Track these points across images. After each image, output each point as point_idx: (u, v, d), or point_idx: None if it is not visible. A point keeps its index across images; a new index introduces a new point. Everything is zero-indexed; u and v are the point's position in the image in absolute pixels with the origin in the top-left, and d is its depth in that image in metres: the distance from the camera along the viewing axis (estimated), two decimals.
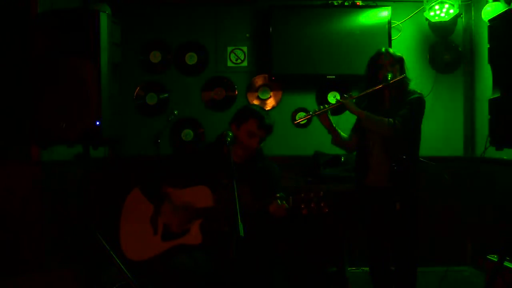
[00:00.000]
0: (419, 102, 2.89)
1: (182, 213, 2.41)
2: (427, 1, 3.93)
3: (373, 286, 3.09)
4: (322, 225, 3.93)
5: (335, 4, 4.10)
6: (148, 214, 2.53)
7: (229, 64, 4.21)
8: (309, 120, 4.19)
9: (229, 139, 2.34)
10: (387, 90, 2.83)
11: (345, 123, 3.22)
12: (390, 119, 2.73)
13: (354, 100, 2.94)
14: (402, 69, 2.92)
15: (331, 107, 2.93)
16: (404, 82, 2.91)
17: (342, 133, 3.03)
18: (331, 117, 2.96)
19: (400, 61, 2.92)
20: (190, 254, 2.31)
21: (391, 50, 2.96)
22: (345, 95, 2.95)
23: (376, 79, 2.90)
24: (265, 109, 2.61)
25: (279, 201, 2.25)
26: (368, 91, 2.91)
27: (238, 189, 2.07)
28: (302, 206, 2.23)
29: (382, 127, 2.81)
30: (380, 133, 2.87)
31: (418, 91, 2.96)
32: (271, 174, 2.58)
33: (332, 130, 2.99)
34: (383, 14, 4.04)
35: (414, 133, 2.91)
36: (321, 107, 2.93)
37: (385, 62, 2.90)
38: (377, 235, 3.00)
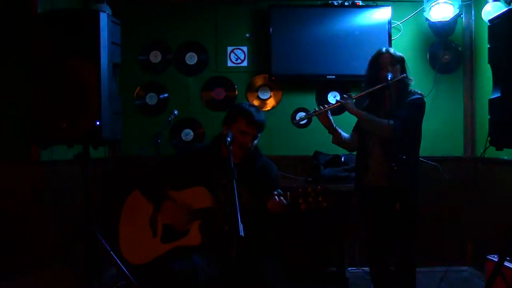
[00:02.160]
0: (419, 103, 2.88)
1: (181, 214, 2.41)
2: (427, 1, 3.93)
3: (373, 286, 3.09)
4: (322, 225, 3.93)
5: (335, 4, 4.10)
6: (147, 216, 2.53)
7: (229, 64, 4.21)
8: (309, 120, 4.19)
9: (229, 139, 2.34)
10: (388, 90, 2.82)
11: (345, 123, 3.22)
12: (390, 121, 2.73)
13: (354, 100, 2.93)
14: (403, 69, 2.91)
15: (330, 107, 2.92)
16: (405, 82, 2.90)
17: (342, 133, 3.03)
18: (331, 117, 2.96)
19: (400, 60, 2.92)
20: (189, 260, 2.29)
21: (391, 50, 2.96)
22: (345, 95, 2.95)
23: (376, 79, 2.90)
24: (254, 105, 2.59)
25: (276, 197, 2.25)
26: (368, 91, 2.91)
27: (237, 189, 2.06)
28: (300, 201, 2.22)
29: (381, 128, 2.81)
30: (378, 135, 2.87)
31: (419, 91, 2.95)
32: (270, 173, 2.57)
33: (332, 130, 2.98)
34: (383, 14, 4.04)
35: (414, 133, 2.91)
36: (321, 107, 2.93)
37: (385, 62, 2.89)
38: (377, 235, 3.00)
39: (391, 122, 2.73)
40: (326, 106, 2.93)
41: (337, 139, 3.03)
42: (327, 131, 3.01)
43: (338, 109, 3.07)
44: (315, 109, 2.96)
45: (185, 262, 2.27)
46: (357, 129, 3.06)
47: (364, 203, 3.05)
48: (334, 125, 2.97)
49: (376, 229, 3.00)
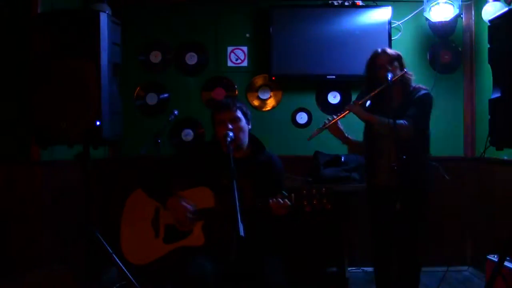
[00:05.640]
0: (426, 99, 2.84)
1: (186, 213, 2.41)
2: (427, 1, 3.93)
3: (375, 286, 3.08)
4: (322, 225, 3.93)
5: (335, 4, 4.10)
6: (149, 216, 2.52)
7: (229, 64, 4.21)
8: (309, 120, 4.20)
9: (229, 139, 2.34)
10: (392, 89, 2.82)
11: (347, 124, 3.19)
12: (400, 121, 2.72)
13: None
14: (401, 66, 2.90)
15: (339, 117, 2.86)
16: (406, 78, 2.89)
17: (355, 139, 3.01)
18: (341, 127, 2.92)
19: (398, 58, 2.90)
20: (199, 265, 2.28)
21: (387, 49, 2.95)
22: (353, 102, 2.93)
23: (376, 79, 2.88)
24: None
25: (280, 200, 2.25)
26: (372, 94, 2.85)
27: (240, 185, 2.06)
28: (305, 203, 2.22)
29: (399, 130, 2.77)
30: (395, 136, 2.82)
31: (423, 86, 2.92)
32: (274, 167, 2.55)
33: (345, 139, 2.96)
34: (383, 14, 4.04)
35: (423, 131, 2.87)
36: (329, 118, 2.88)
37: (383, 62, 2.88)
38: (382, 235, 2.99)
39: (402, 122, 2.72)
40: (335, 116, 2.87)
41: (353, 147, 3.01)
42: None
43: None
44: (325, 121, 2.90)
45: (196, 269, 2.25)
46: (365, 132, 3.04)
47: (373, 203, 3.04)
48: (346, 134, 2.95)
49: (382, 229, 2.99)
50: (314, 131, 2.90)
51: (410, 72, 2.90)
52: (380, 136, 2.91)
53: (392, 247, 2.97)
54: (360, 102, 2.88)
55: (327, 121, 2.88)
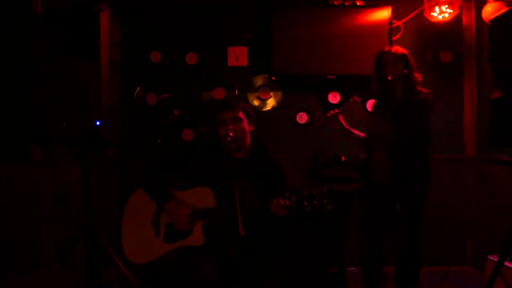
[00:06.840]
0: (421, 105, 2.85)
1: (184, 214, 2.41)
2: (427, 1, 3.93)
3: (362, 284, 3.09)
4: (323, 225, 3.93)
5: (335, 4, 4.10)
6: (150, 215, 2.53)
7: (229, 64, 4.20)
8: (309, 120, 4.19)
9: (229, 138, 2.34)
10: (393, 89, 2.85)
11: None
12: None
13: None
14: (406, 66, 2.90)
15: (340, 109, 2.98)
16: (409, 79, 2.89)
17: (357, 133, 3.06)
18: (342, 121, 3.00)
19: (402, 58, 2.91)
20: (199, 265, 2.28)
21: (393, 49, 2.96)
22: (355, 98, 2.97)
23: (384, 78, 2.90)
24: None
25: (281, 200, 2.24)
26: (341, 109, 2.98)
27: (241, 185, 2.06)
28: (305, 204, 2.22)
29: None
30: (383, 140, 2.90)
31: (425, 89, 2.93)
32: (275, 168, 2.56)
33: (345, 131, 3.02)
34: (383, 14, 4.03)
35: (417, 133, 2.88)
36: (332, 112, 3.00)
37: (386, 61, 2.90)
38: (372, 234, 3.01)
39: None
40: (337, 110, 2.98)
41: (358, 140, 3.05)
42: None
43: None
44: (330, 112, 3.01)
45: (195, 268, 2.25)
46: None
47: (365, 200, 3.05)
48: (346, 126, 3.01)
49: (371, 227, 3.00)
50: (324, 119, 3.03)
51: (416, 74, 2.90)
52: (372, 135, 2.95)
53: (382, 246, 2.98)
54: (359, 100, 2.93)
55: (332, 113, 2.98)
